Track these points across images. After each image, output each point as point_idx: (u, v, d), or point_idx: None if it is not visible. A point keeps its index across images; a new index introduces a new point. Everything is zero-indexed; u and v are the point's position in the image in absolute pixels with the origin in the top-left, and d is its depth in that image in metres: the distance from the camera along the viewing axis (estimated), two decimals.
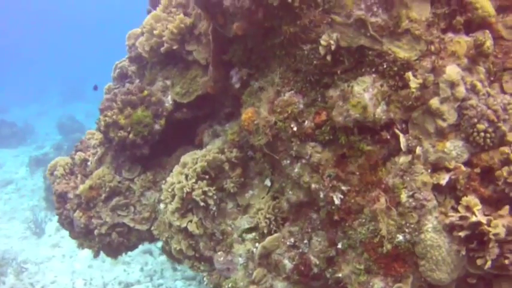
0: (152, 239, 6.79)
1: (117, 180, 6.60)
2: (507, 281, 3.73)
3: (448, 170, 3.79)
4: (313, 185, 4.31)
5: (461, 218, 3.61)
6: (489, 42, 3.82)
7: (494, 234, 3.47)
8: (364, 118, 3.92)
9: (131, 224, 6.57)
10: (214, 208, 5.30)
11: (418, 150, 3.82)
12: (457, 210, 3.71)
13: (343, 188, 4.14)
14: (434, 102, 3.75)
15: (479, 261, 3.58)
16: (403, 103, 3.88)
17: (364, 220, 4.03)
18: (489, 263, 3.50)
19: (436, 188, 3.81)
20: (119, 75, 7.20)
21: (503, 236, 3.49)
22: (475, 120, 3.72)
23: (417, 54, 3.85)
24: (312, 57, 4.09)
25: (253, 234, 5.11)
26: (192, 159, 5.39)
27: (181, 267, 11.88)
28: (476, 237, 3.59)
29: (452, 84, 3.70)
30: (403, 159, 3.88)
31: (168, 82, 6.17)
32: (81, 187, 6.67)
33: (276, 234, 4.80)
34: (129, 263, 12.87)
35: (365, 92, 3.92)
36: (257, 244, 4.94)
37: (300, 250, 4.65)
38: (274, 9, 4.07)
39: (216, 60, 5.13)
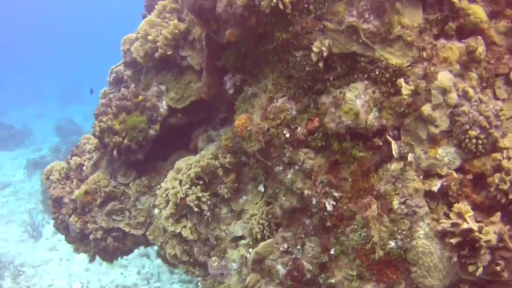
0: (147, 244, 6.79)
1: (112, 185, 6.61)
2: (499, 287, 3.73)
3: (440, 177, 3.79)
4: (305, 191, 4.32)
5: (453, 224, 3.61)
6: (481, 48, 3.83)
7: (486, 241, 3.48)
8: (356, 125, 3.92)
9: (126, 229, 6.57)
10: (208, 213, 5.29)
11: (410, 156, 3.82)
12: (449, 217, 3.72)
13: (336, 194, 4.14)
14: (427, 108, 3.75)
15: (470, 268, 3.58)
16: (395, 109, 3.89)
17: (356, 226, 4.04)
18: (481, 269, 3.51)
19: (428, 195, 3.81)
20: (114, 79, 7.19)
21: (495, 243, 3.50)
22: (467, 126, 3.72)
23: (409, 60, 3.85)
24: (305, 63, 4.10)
25: (247, 239, 5.11)
26: (186, 165, 5.39)
27: (178, 270, 11.88)
28: (468, 244, 3.59)
29: (444, 91, 3.71)
30: (395, 166, 3.88)
31: (163, 87, 6.17)
32: (77, 192, 6.67)
33: (269, 240, 4.80)
34: (126, 266, 12.86)
35: (357, 99, 3.92)
36: (251, 250, 4.94)
37: (293, 256, 4.65)
38: (267, 15, 4.08)
39: (210, 66, 5.13)
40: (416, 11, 3.89)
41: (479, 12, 3.90)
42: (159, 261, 12.51)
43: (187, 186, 5.23)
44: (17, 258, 13.88)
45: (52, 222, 7.57)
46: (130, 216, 6.60)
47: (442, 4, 3.95)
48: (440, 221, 3.71)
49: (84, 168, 7.14)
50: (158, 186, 5.97)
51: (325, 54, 3.91)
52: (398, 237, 3.80)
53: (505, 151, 3.70)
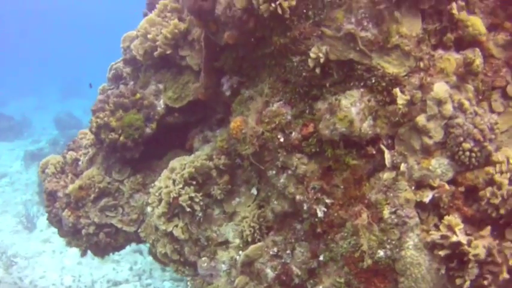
0: (139, 241, 6.79)
1: (106, 181, 6.60)
2: None
3: (432, 188, 3.79)
4: (297, 197, 4.31)
5: (443, 237, 3.61)
6: (479, 61, 3.82)
7: (474, 255, 3.47)
8: (351, 132, 3.92)
9: (119, 225, 6.57)
10: (200, 214, 5.29)
11: (403, 166, 3.82)
12: (439, 228, 3.71)
13: (327, 201, 4.14)
14: (421, 119, 3.75)
15: (458, 281, 3.58)
16: (390, 119, 3.88)
17: (346, 234, 4.03)
18: (468, 283, 3.50)
19: (420, 205, 3.81)
20: (113, 76, 7.18)
21: (483, 257, 3.50)
22: (461, 139, 3.71)
23: (406, 70, 3.85)
24: (301, 69, 4.09)
25: (238, 242, 5.11)
26: (180, 165, 5.39)
27: (170, 268, 11.88)
28: (457, 257, 3.59)
29: (440, 102, 3.70)
30: (387, 175, 3.87)
31: (161, 86, 6.16)
32: (71, 186, 6.67)
33: (259, 243, 4.80)
34: (118, 261, 12.88)
35: (352, 106, 3.92)
36: (241, 252, 4.94)
37: (283, 260, 4.64)
38: (265, 19, 4.07)
39: (208, 67, 5.13)
40: (415, 20, 3.89)
41: (478, 24, 3.90)
42: (151, 258, 12.58)
43: (181, 186, 5.23)
44: (10, 248, 13.90)
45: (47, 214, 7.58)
46: (124, 212, 6.59)
47: (441, 15, 3.95)
48: (430, 232, 3.70)
49: (80, 163, 7.13)
50: (152, 185, 5.97)
51: (322, 60, 3.90)
52: (388, 246, 3.79)
53: (498, 165, 3.69)
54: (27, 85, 44.43)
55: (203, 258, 5.33)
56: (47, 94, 41.34)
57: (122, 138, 5.95)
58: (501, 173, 3.64)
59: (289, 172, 4.36)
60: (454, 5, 3.86)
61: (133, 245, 8.20)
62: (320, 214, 4.15)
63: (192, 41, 5.63)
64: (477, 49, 3.89)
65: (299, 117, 4.29)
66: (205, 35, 4.88)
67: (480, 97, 3.97)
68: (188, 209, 5.22)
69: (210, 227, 5.36)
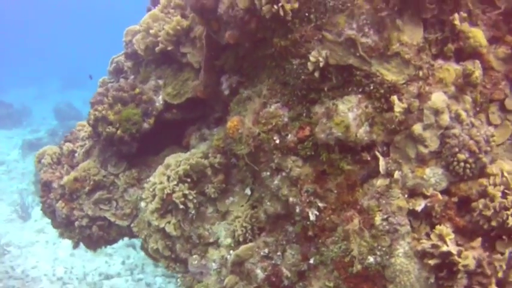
0: (132, 236, 6.79)
1: (102, 175, 6.60)
2: None
3: (425, 197, 3.79)
4: (290, 199, 4.32)
5: (433, 246, 3.61)
6: (478, 73, 3.82)
7: (464, 266, 3.48)
8: (346, 137, 3.92)
9: (112, 219, 6.57)
10: (193, 211, 5.29)
11: (397, 174, 3.82)
12: (430, 237, 3.72)
13: (320, 204, 4.14)
14: (417, 128, 3.75)
15: None
16: (386, 126, 3.89)
17: (337, 238, 4.04)
18: None
19: (412, 214, 3.81)
20: (114, 69, 7.19)
21: (473, 268, 3.51)
22: (457, 149, 3.71)
23: (405, 78, 3.85)
24: (301, 72, 4.09)
25: (229, 241, 5.11)
26: (176, 162, 5.39)
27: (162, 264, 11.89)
28: (447, 267, 3.60)
29: (437, 112, 3.71)
30: (380, 182, 3.88)
31: (161, 82, 6.17)
32: (66, 178, 6.67)
33: (250, 244, 4.80)
34: (111, 255, 12.88)
35: (349, 112, 3.92)
36: (231, 251, 4.94)
37: (273, 261, 4.65)
38: (267, 21, 4.07)
39: (208, 65, 5.13)
40: (416, 29, 3.89)
41: (479, 36, 3.90)
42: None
43: (175, 182, 5.23)
44: (3, 237, 13.89)
45: None
46: (117, 206, 6.59)
47: (443, 25, 3.95)
48: (421, 241, 3.71)
49: (76, 155, 7.13)
50: (147, 180, 5.98)
51: (321, 64, 3.90)
52: (378, 253, 3.79)
53: (492, 177, 3.70)
54: (28, 74, 44.44)
55: (194, 256, 5.34)
56: (47, 84, 41.32)
57: (119, 132, 5.95)
58: (494, 185, 3.65)
59: (284, 174, 4.37)
60: (456, 16, 3.86)
61: (127, 239, 8.23)
62: (312, 217, 4.15)
63: (193, 39, 5.64)
64: (477, 61, 3.89)
65: (296, 120, 4.29)
66: (206, 33, 4.88)
67: (478, 109, 3.98)
68: (181, 206, 5.23)
69: (203, 225, 5.37)
